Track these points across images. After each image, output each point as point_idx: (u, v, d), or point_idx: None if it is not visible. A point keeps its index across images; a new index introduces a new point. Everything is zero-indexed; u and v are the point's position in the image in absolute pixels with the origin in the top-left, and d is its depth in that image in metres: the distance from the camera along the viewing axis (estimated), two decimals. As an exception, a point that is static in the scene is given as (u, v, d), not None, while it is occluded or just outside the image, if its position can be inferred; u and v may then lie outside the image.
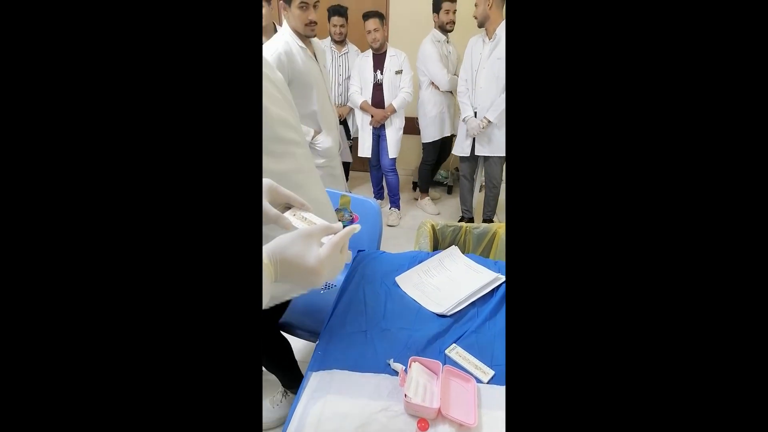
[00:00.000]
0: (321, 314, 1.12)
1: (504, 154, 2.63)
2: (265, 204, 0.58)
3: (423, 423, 0.75)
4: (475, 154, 2.71)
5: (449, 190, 3.69)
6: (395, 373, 0.86)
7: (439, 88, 2.89)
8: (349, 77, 2.96)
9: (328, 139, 2.01)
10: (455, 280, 1.14)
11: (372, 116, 2.86)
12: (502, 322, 1.01)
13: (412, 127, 3.15)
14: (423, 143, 3.10)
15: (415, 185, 3.63)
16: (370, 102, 2.86)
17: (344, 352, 0.92)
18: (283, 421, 0.78)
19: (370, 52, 2.83)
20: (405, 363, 0.86)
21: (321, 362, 0.90)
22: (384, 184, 3.19)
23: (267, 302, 0.50)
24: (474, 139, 2.68)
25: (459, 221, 2.82)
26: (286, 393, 1.51)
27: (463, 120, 2.68)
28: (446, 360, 0.89)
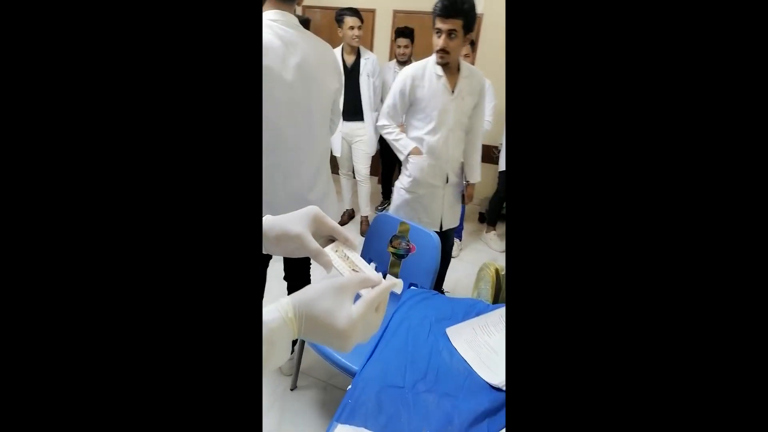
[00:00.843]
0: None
1: None
2: (307, 236, 0.52)
3: None
4: None
5: (518, 228, 3.44)
6: (430, 451, 0.73)
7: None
8: None
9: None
10: (517, 345, 0.98)
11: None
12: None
13: (487, 154, 2.98)
14: (499, 172, 2.91)
15: (482, 217, 3.42)
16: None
17: (376, 408, 0.81)
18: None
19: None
20: (444, 441, 0.73)
21: (350, 414, 0.80)
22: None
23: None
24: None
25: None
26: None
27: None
28: (494, 448, 0.75)
